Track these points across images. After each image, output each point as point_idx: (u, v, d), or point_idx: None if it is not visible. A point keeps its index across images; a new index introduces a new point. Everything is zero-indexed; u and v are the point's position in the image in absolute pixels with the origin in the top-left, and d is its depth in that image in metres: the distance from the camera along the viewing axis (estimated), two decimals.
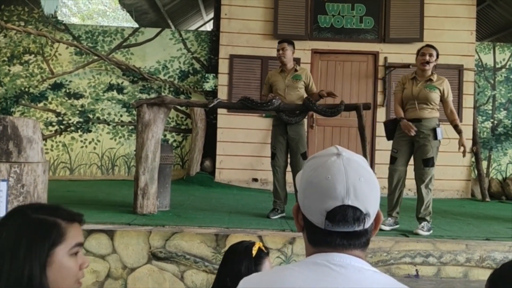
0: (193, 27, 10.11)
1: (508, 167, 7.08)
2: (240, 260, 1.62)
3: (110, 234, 3.40)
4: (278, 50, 4.33)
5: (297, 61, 6.54)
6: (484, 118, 7.12)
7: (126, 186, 5.71)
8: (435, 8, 6.58)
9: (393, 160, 3.90)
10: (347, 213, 0.85)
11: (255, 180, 6.53)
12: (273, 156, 4.31)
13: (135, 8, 7.05)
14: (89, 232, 3.39)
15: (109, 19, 17.04)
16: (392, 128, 3.98)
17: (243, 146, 6.47)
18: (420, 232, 3.64)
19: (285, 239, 3.39)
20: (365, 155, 4.32)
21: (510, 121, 7.13)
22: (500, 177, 7.04)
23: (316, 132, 6.66)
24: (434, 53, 3.77)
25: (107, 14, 17.31)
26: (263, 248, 1.66)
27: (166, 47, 7.02)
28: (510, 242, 3.50)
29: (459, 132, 3.71)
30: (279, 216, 4.19)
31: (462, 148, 3.67)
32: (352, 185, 0.85)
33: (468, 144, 6.52)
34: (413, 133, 3.69)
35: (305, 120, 4.52)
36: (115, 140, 6.95)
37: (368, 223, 0.88)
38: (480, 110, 7.09)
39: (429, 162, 3.74)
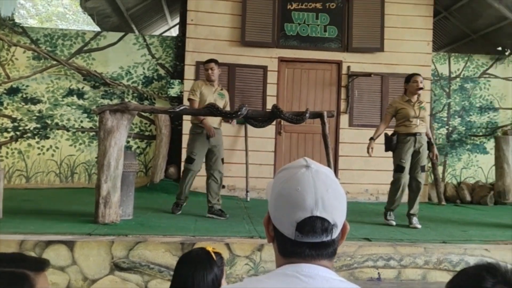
0: (158, 32, 9.98)
1: (462, 172, 7.41)
2: (205, 268, 1.62)
3: (70, 245, 3.30)
4: (206, 70, 4.70)
5: (264, 69, 6.65)
6: (440, 125, 7.43)
7: (86, 195, 5.53)
8: (394, 19, 6.82)
9: (401, 168, 4.53)
10: (315, 224, 0.87)
11: (222, 186, 6.48)
12: (192, 160, 4.60)
13: (97, 11, 6.88)
14: (47, 244, 3.28)
15: (69, 22, 16.55)
16: (394, 141, 4.61)
17: None
18: (418, 225, 4.43)
19: (253, 246, 3.39)
20: (328, 161, 4.47)
21: (464, 128, 7.48)
22: (455, 182, 7.35)
23: (284, 138, 6.73)
24: (422, 79, 4.65)
25: (67, 16, 16.81)
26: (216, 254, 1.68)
27: (129, 52, 6.89)
28: (465, 244, 3.66)
29: (432, 144, 4.63)
30: (180, 212, 4.70)
31: (436, 157, 4.61)
32: (321, 197, 0.87)
33: None
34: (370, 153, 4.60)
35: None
36: (75, 146, 6.74)
37: (336, 234, 0.90)
38: (436, 117, 7.40)
39: (424, 168, 4.62)
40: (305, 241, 0.88)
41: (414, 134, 4.51)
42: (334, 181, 0.92)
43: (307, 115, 4.44)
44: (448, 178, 7.35)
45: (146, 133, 6.89)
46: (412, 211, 4.55)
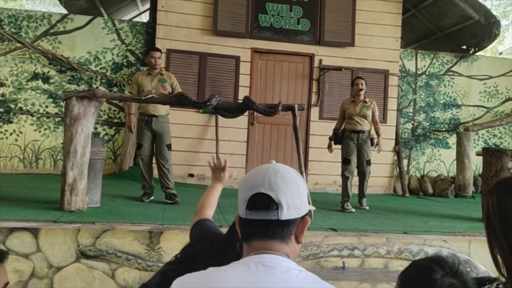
0: (128, 17, 9.74)
1: (426, 166, 7.69)
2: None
3: (34, 232, 3.23)
4: (153, 57, 4.83)
5: (237, 59, 6.63)
6: (405, 120, 7.66)
7: (51, 181, 5.40)
8: (365, 15, 6.94)
9: (347, 161, 5.12)
10: (259, 200, 0.97)
11: (191, 175, 6.49)
12: (139, 146, 4.82)
13: None
14: (11, 230, 3.20)
15: (35, 2, 15.91)
16: (340, 135, 5.23)
17: (179, 141, 6.38)
18: (366, 207, 5.11)
19: None
20: (298, 152, 4.54)
21: (428, 123, 7.74)
22: (418, 175, 7.62)
23: (256, 129, 6.76)
24: (364, 82, 5.25)
25: None
26: None
27: (98, 37, 6.71)
28: (425, 235, 3.82)
29: (379, 135, 5.19)
30: (150, 199, 4.77)
31: (378, 147, 5.12)
32: (268, 178, 0.98)
33: (391, 143, 6.99)
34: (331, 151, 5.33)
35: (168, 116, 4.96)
36: (40, 132, 6.53)
37: (283, 215, 0.96)
38: (402, 112, 7.62)
39: (369, 162, 5.18)
40: (253, 218, 0.98)
41: (357, 132, 5.09)
42: (289, 172, 1.02)
43: (280, 107, 4.51)
44: (412, 171, 7.61)
45: (115, 120, 6.76)
46: (363, 197, 5.22)
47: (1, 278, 1.10)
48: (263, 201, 0.96)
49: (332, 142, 5.29)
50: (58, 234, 3.28)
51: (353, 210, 4.95)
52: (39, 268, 3.20)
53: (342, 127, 5.27)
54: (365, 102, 5.18)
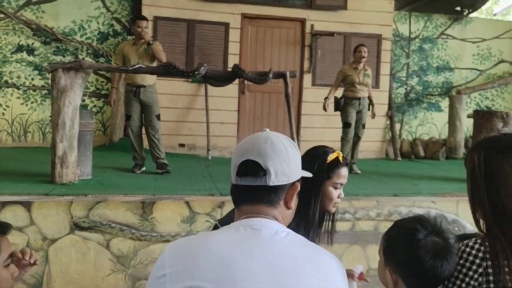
0: None
1: (418, 129, 7.71)
2: (314, 160, 1.61)
3: (27, 205, 3.23)
4: (139, 27, 4.65)
5: (226, 26, 6.47)
6: (398, 84, 7.61)
7: (41, 154, 5.34)
8: None
9: (348, 125, 5.26)
10: (248, 166, 0.99)
11: (182, 145, 6.46)
12: (128, 117, 4.75)
13: None
14: (3, 204, 3.20)
15: None
16: (342, 103, 5.29)
17: (168, 111, 6.29)
18: (358, 171, 5.19)
19: (213, 204, 3.44)
20: (290, 120, 4.52)
21: (421, 88, 7.70)
22: (410, 138, 7.65)
23: (248, 97, 6.69)
24: (366, 50, 5.28)
25: None
26: (341, 159, 1.66)
27: (82, 5, 6.49)
28: (414, 197, 3.88)
29: (373, 104, 5.38)
30: (142, 170, 4.75)
31: (373, 115, 5.39)
32: (258, 146, 1.00)
33: (384, 108, 6.97)
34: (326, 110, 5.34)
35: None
36: (27, 105, 6.42)
37: (270, 180, 0.98)
38: (395, 77, 7.56)
39: (364, 125, 5.38)
40: (242, 184, 1.00)
41: (358, 98, 5.25)
42: (281, 140, 1.02)
43: (271, 75, 4.44)
44: (404, 135, 7.63)
45: (103, 92, 6.65)
46: (353, 160, 5.29)
47: (6, 249, 1.17)
48: (251, 168, 0.98)
49: (328, 101, 5.33)
50: (51, 206, 3.28)
51: (359, 171, 5.19)
52: (33, 241, 3.22)
53: (342, 94, 5.33)
54: (365, 69, 5.31)
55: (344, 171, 1.68)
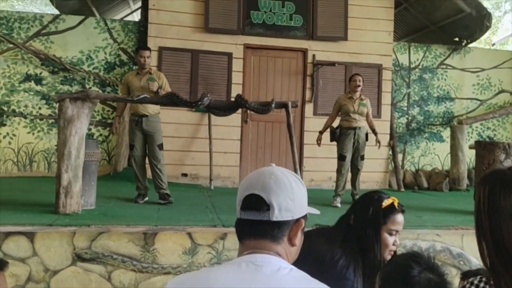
0: (119, 16, 9.70)
1: (420, 160, 7.72)
2: (369, 205, 1.69)
3: (30, 236, 3.24)
4: (142, 57, 4.76)
5: (229, 56, 6.62)
6: (400, 114, 7.68)
7: (46, 183, 5.39)
8: (358, 9, 6.94)
9: (343, 157, 5.19)
10: (251, 200, 1.00)
11: (185, 175, 6.49)
12: (132, 147, 4.79)
13: None
14: (7, 235, 3.21)
15: (27, 2, 15.78)
16: (338, 133, 5.23)
17: (172, 140, 6.38)
18: None
19: (216, 235, 3.44)
20: (293, 151, 4.55)
21: (422, 117, 7.76)
22: (413, 169, 7.65)
23: (250, 126, 6.76)
24: (362, 79, 5.26)
25: None
26: (396, 205, 1.70)
27: (90, 36, 6.68)
28: (418, 230, 3.85)
29: (376, 133, 5.26)
30: (145, 200, 4.76)
31: (378, 144, 5.23)
32: (262, 181, 1.01)
33: (386, 138, 7.01)
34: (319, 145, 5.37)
35: (160, 117, 4.96)
36: (33, 134, 6.51)
37: (274, 215, 0.99)
38: (396, 106, 7.64)
39: (363, 157, 5.25)
40: (245, 218, 1.01)
41: (354, 128, 5.16)
42: (285, 175, 1.03)
43: (273, 105, 4.49)
44: (407, 166, 7.64)
45: (109, 121, 6.74)
46: (355, 191, 5.27)
47: (1, 285, 1.15)
48: (254, 202, 0.99)
49: (322, 136, 5.34)
50: (54, 237, 3.28)
51: (339, 205, 5.02)
52: (35, 272, 3.21)
53: (338, 124, 5.31)
54: (361, 99, 5.26)
55: (399, 217, 1.69)
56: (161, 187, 4.73)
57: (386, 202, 1.68)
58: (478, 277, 1.15)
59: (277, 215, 0.98)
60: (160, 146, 4.77)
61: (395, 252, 1.76)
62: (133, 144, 4.75)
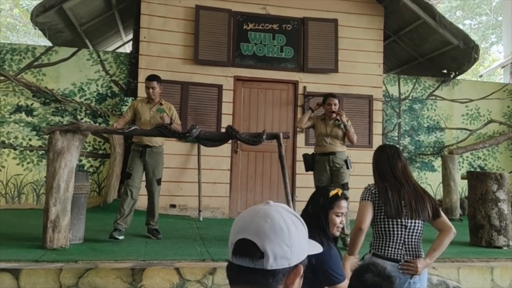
0: (112, 47, 9.81)
1: None
2: (320, 196, 2.31)
3: (15, 273, 3.15)
4: (148, 88, 4.65)
5: (219, 87, 6.66)
6: (391, 144, 7.72)
7: (34, 216, 5.28)
8: (348, 42, 7.08)
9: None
10: (244, 246, 0.92)
11: (173, 206, 6.40)
12: (129, 176, 4.53)
13: (48, 26, 6.65)
14: None
15: (20, 33, 15.93)
16: (311, 161, 4.67)
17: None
18: None
19: (205, 270, 3.36)
20: (284, 181, 4.51)
21: (413, 147, 7.81)
22: None
23: (241, 156, 6.74)
24: (337, 101, 4.69)
25: (18, 28, 16.17)
26: (340, 194, 2.30)
27: (82, 68, 6.71)
28: None
29: (348, 127, 4.61)
30: (121, 238, 4.32)
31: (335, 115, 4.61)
32: (256, 224, 0.92)
33: None
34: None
35: (163, 148, 4.84)
36: (23, 166, 6.43)
37: (268, 264, 0.90)
38: (387, 136, 7.69)
39: (345, 186, 4.53)
40: (237, 263, 0.93)
41: (328, 154, 4.54)
42: (282, 218, 0.93)
43: (264, 136, 4.45)
44: None
45: (100, 152, 6.70)
46: (345, 232, 4.42)
47: None
48: (247, 248, 0.91)
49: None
50: (40, 274, 3.19)
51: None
52: None
53: (313, 152, 4.76)
54: (337, 119, 4.63)
55: (343, 203, 2.30)
56: (151, 221, 4.63)
57: (332, 192, 2.28)
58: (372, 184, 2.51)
59: (272, 264, 0.90)
60: (159, 181, 4.62)
61: (343, 229, 3.14)
62: (131, 173, 4.50)
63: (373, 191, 2.42)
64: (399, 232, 2.37)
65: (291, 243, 0.92)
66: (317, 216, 2.21)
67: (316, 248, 1.05)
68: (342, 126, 4.58)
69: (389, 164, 2.48)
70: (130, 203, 4.50)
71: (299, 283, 0.96)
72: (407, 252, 2.40)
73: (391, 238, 2.37)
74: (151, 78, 4.73)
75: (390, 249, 2.38)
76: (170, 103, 6.41)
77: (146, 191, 4.72)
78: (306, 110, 4.70)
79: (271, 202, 0.98)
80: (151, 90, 4.62)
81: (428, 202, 2.43)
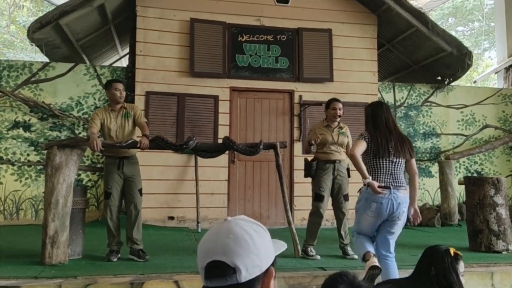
0: (109, 62, 9.86)
1: None
2: (444, 256, 2.22)
3: None
4: (116, 89, 4.25)
5: (215, 98, 6.71)
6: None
7: (33, 232, 5.28)
8: (342, 51, 7.15)
9: (320, 197, 4.40)
10: (214, 268, 0.94)
11: (171, 218, 6.40)
12: (108, 195, 4.13)
13: (45, 42, 6.70)
14: None
15: (17, 50, 16.01)
16: (313, 167, 4.48)
17: (159, 183, 6.35)
18: (355, 256, 4.21)
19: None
20: (282, 190, 4.52)
21: None
22: None
23: (238, 166, 6.75)
24: (341, 105, 4.58)
25: (15, 44, 16.25)
26: (458, 252, 2.28)
27: (79, 83, 6.75)
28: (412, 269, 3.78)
29: (349, 170, 4.59)
30: (118, 257, 4.11)
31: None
32: (221, 243, 0.95)
33: None
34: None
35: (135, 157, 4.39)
36: (21, 181, 6.43)
37: (242, 277, 0.93)
38: None
39: (347, 197, 4.50)
40: (212, 286, 0.95)
41: (333, 161, 4.42)
42: (244, 230, 0.96)
43: (261, 146, 4.45)
44: None
45: (98, 165, 6.71)
46: (344, 242, 4.43)
47: None
48: (219, 269, 0.93)
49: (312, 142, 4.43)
50: None
51: (318, 257, 4.28)
52: None
53: (314, 157, 4.57)
54: (341, 127, 4.55)
55: (462, 263, 2.33)
56: (134, 242, 4.14)
57: (452, 251, 2.24)
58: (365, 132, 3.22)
59: (245, 276, 0.93)
60: (140, 191, 4.24)
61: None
62: (110, 192, 4.13)
63: (366, 137, 3.18)
64: (388, 166, 3.15)
65: (258, 252, 0.95)
66: (444, 279, 2.17)
67: (280, 246, 1.08)
68: (347, 134, 4.54)
69: (384, 116, 3.23)
70: (116, 224, 4.18)
71: (274, 283, 0.99)
72: (394, 181, 3.14)
73: (382, 170, 3.14)
74: (118, 80, 4.51)
75: (381, 179, 3.13)
76: (167, 115, 6.51)
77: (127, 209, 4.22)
78: (308, 146, 4.53)
79: (229, 218, 1.01)
80: (121, 92, 4.26)
81: (408, 146, 3.22)
